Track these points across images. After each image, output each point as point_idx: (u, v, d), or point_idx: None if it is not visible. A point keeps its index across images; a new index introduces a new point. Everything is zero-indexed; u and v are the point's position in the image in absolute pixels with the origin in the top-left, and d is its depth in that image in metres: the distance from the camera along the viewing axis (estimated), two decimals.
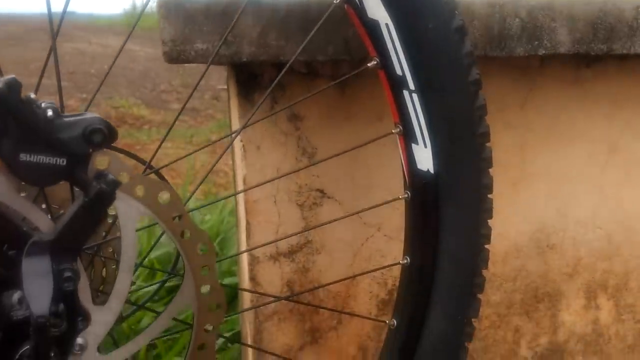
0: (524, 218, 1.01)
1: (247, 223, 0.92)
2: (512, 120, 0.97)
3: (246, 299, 1.00)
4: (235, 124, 0.92)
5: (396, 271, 0.97)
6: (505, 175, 0.98)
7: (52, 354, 0.47)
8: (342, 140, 0.91)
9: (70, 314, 0.48)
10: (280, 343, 0.97)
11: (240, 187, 0.93)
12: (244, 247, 0.94)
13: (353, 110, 0.91)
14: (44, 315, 0.44)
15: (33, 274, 0.45)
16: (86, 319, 0.49)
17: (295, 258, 0.95)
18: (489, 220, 0.75)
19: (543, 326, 1.06)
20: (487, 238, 0.75)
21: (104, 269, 0.65)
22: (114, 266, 0.67)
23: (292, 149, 0.90)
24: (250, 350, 0.99)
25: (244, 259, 0.95)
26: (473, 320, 0.77)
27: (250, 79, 0.86)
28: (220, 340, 1.38)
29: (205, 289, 0.56)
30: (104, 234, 0.64)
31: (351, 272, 0.97)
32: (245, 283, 0.96)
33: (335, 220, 0.86)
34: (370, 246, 0.96)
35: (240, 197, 0.93)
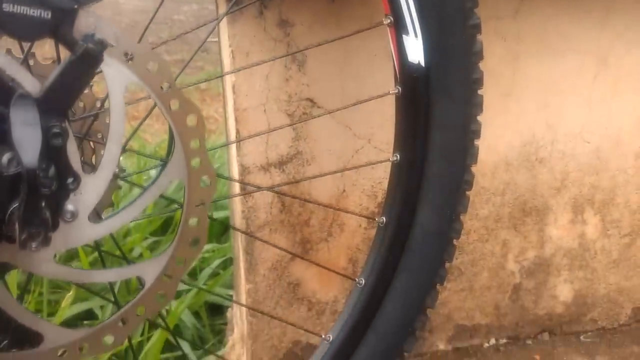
0: (514, 131, 1.01)
1: (237, 132, 0.92)
2: (504, 30, 0.96)
3: (237, 215, 1.00)
4: (224, 31, 0.90)
5: (386, 184, 0.98)
6: (496, 86, 0.98)
7: (43, 216, 0.47)
8: (333, 45, 0.89)
9: (60, 174, 0.48)
10: (271, 254, 0.98)
11: (229, 96, 0.92)
12: (234, 157, 0.94)
13: (344, 16, 0.90)
14: (33, 166, 0.44)
15: (21, 125, 0.44)
16: (76, 181, 0.49)
17: (285, 169, 0.95)
18: (478, 116, 0.75)
19: (530, 240, 1.08)
20: (477, 134, 0.75)
21: (94, 156, 0.65)
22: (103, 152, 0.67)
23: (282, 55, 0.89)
24: (242, 266, 1.00)
25: (235, 169, 0.95)
26: (462, 216, 0.78)
27: None
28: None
29: (195, 162, 0.56)
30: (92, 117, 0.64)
31: (341, 184, 0.97)
32: (236, 192, 0.96)
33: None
34: (361, 158, 0.96)
35: (230, 107, 0.92)
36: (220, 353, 1.14)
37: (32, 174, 0.45)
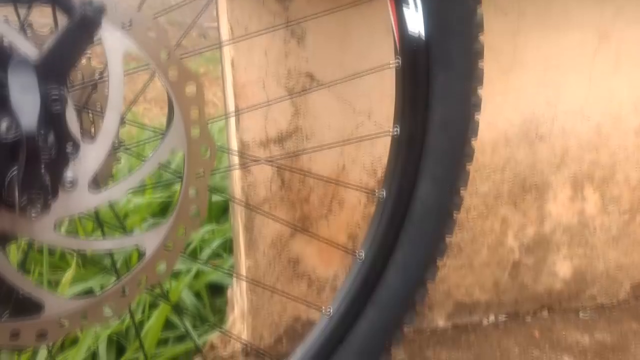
0: (514, 107, 1.01)
1: (236, 108, 0.91)
2: (504, 5, 0.96)
3: (237, 193, 1.00)
4: (223, 5, 0.90)
5: (386, 159, 0.98)
6: (497, 62, 0.98)
7: (43, 181, 0.47)
8: (332, 20, 0.89)
9: (59, 140, 0.47)
10: (271, 230, 0.98)
11: (228, 71, 0.91)
12: (233, 135, 0.94)
13: None
14: (32, 132, 0.44)
15: (20, 91, 0.44)
16: (76, 148, 0.49)
17: (284, 145, 0.94)
18: (479, 89, 0.75)
19: (530, 217, 1.08)
20: (478, 107, 0.75)
21: (93, 127, 0.64)
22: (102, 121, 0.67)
23: (281, 30, 0.89)
24: (242, 243, 1.00)
25: (234, 145, 0.95)
26: (461, 190, 0.78)
27: None
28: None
29: (195, 132, 0.55)
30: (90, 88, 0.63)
31: (341, 160, 0.97)
32: (236, 171, 0.96)
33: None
34: (360, 133, 0.96)
35: (229, 82, 0.92)
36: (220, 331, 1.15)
37: (31, 139, 0.44)
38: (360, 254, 0.78)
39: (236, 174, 0.96)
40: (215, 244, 1.42)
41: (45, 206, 0.47)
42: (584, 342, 1.08)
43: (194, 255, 1.43)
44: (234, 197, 1.01)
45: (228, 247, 1.47)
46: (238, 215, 1.00)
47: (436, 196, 0.76)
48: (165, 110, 0.54)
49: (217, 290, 1.37)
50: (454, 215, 0.78)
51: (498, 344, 1.08)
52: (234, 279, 1.19)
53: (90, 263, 1.33)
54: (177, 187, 1.50)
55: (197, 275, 1.33)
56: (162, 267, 0.58)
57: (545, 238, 1.10)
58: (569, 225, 1.10)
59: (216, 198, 1.58)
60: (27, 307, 0.56)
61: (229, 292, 1.21)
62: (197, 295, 1.33)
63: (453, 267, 1.08)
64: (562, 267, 1.13)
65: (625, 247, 1.14)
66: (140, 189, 1.67)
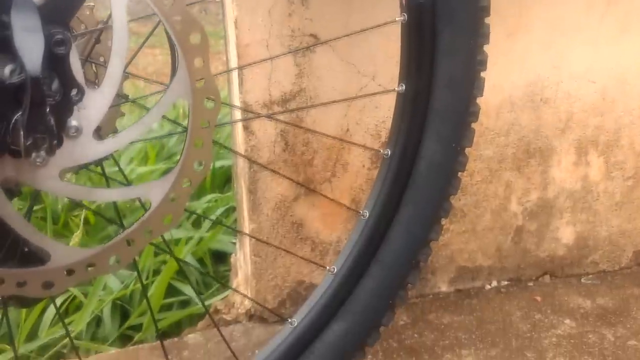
0: (519, 70, 1.00)
1: (239, 69, 0.90)
2: None
3: (240, 163, 1.00)
4: None
5: (390, 123, 0.97)
6: (502, 24, 0.97)
7: (48, 123, 0.46)
8: None
9: (63, 85, 0.47)
10: (275, 193, 0.98)
11: (231, 31, 0.90)
12: (236, 95, 0.93)
13: None
14: (37, 73, 0.44)
15: (23, 31, 0.43)
16: (80, 93, 0.48)
17: (288, 107, 0.94)
18: (485, 46, 0.74)
19: (533, 182, 1.08)
20: (483, 64, 0.74)
21: (96, 80, 0.64)
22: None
23: None
24: (245, 206, 1.00)
25: (237, 109, 0.94)
26: (467, 149, 0.77)
27: None
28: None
29: (199, 82, 0.55)
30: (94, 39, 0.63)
31: (345, 123, 0.97)
32: (239, 133, 0.96)
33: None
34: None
35: (232, 43, 0.91)
36: (223, 295, 1.15)
37: (35, 81, 0.44)
38: (365, 212, 0.78)
39: (239, 136, 0.96)
40: (219, 212, 1.42)
41: (51, 151, 0.47)
42: (585, 307, 1.09)
43: (198, 224, 1.43)
44: (238, 152, 1.01)
45: (231, 215, 1.47)
46: (241, 179, 1.00)
47: (441, 155, 0.76)
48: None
49: (221, 258, 1.38)
50: (459, 174, 0.78)
51: (500, 308, 1.09)
52: (237, 246, 1.19)
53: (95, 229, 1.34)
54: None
55: (200, 242, 1.34)
56: (167, 218, 0.58)
57: (549, 203, 1.10)
58: (573, 190, 1.10)
59: (219, 165, 1.58)
60: (32, 261, 0.57)
61: (232, 258, 1.22)
62: (200, 261, 1.34)
63: (456, 232, 1.08)
64: (565, 233, 1.13)
65: (628, 213, 1.14)
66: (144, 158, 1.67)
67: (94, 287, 1.17)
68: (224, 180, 1.62)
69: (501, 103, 1.01)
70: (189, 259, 1.30)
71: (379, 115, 0.97)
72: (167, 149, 1.69)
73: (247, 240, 1.03)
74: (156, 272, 1.26)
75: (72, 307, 1.20)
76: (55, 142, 0.46)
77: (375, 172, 0.99)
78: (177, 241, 1.32)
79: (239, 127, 0.95)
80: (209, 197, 1.49)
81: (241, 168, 0.99)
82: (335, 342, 0.78)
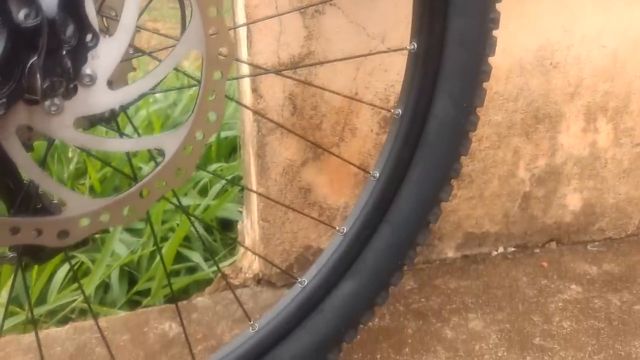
0: (530, 34, 0.99)
1: (248, 31, 0.90)
2: None
3: (248, 119, 0.99)
4: None
5: (399, 87, 0.97)
6: None
7: (65, 65, 0.46)
8: None
9: (78, 29, 0.47)
10: (283, 158, 0.97)
11: None
12: (244, 57, 0.93)
13: None
14: (53, 15, 0.43)
15: None
16: (95, 39, 0.48)
17: (297, 70, 0.93)
18: (497, 4, 0.73)
19: (542, 148, 1.08)
20: (495, 23, 0.74)
21: (108, 32, 0.63)
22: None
23: None
24: (253, 170, 1.00)
25: (245, 68, 0.94)
26: (478, 109, 0.77)
27: None
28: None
29: (212, 30, 0.54)
30: None
31: (354, 86, 0.96)
32: (247, 95, 0.95)
33: None
34: (374, 59, 0.95)
35: (240, 3, 0.90)
36: (231, 261, 1.16)
37: (51, 23, 0.44)
38: (375, 172, 0.78)
39: (247, 99, 0.95)
40: (224, 181, 1.42)
41: (67, 95, 0.47)
42: (591, 273, 1.09)
43: (204, 192, 1.43)
44: (243, 130, 1.01)
45: (237, 182, 1.48)
46: (249, 144, 1.00)
47: (452, 114, 0.76)
48: None
49: (228, 225, 1.38)
50: (470, 134, 0.78)
51: (507, 273, 1.09)
52: (244, 213, 1.19)
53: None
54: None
55: (207, 209, 1.34)
56: (181, 171, 0.58)
57: (556, 170, 1.10)
58: (580, 157, 1.10)
59: (224, 136, 1.58)
60: (49, 207, 0.57)
61: (239, 225, 1.22)
62: (207, 229, 1.34)
63: (464, 197, 1.08)
64: (572, 200, 1.13)
65: (636, 181, 1.14)
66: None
67: (102, 253, 1.18)
68: (229, 150, 1.62)
69: (511, 67, 1.01)
70: (196, 225, 1.30)
71: (388, 78, 0.96)
72: (172, 119, 1.69)
73: (255, 206, 1.03)
74: (163, 240, 1.27)
75: (80, 273, 1.21)
76: (71, 85, 0.46)
77: (384, 137, 0.99)
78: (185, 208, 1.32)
79: (247, 90, 0.94)
80: (214, 166, 1.49)
81: (249, 133, 0.99)
82: (345, 302, 0.78)
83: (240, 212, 1.34)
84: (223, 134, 1.60)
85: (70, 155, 1.51)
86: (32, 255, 0.64)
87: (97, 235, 1.29)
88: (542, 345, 0.92)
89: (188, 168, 0.58)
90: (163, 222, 1.30)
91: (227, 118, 1.65)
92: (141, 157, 1.49)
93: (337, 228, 0.79)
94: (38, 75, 0.43)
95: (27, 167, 0.52)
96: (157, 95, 1.75)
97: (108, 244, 1.19)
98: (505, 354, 0.90)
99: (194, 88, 1.68)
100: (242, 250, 1.15)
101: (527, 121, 1.05)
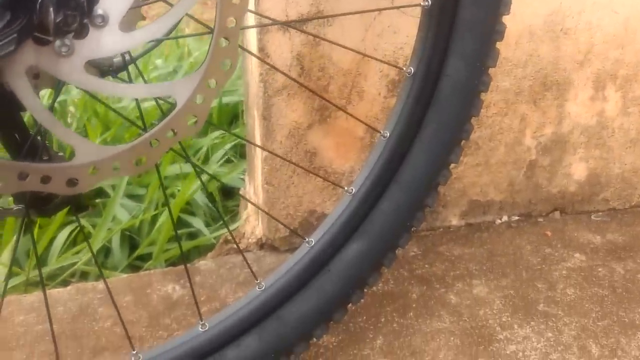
0: None
1: None
2: None
3: (254, 79, 0.98)
4: None
5: (408, 50, 0.95)
6: None
7: (78, 4, 0.44)
8: None
9: None
10: (289, 120, 0.96)
11: None
12: (252, 16, 0.91)
13: None
14: None
15: None
16: None
17: (305, 28, 0.92)
18: None
19: (549, 116, 1.07)
20: None
21: None
22: None
23: None
24: (258, 132, 0.98)
25: (253, 31, 0.92)
26: (490, 69, 0.76)
27: None
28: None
29: None
30: None
31: (362, 48, 0.95)
32: (254, 57, 0.93)
33: None
34: (383, 20, 0.93)
35: None
36: (234, 226, 1.15)
37: None
38: (385, 132, 0.77)
39: (254, 59, 0.94)
40: (227, 146, 1.41)
41: (80, 33, 0.45)
42: (595, 242, 1.09)
43: (205, 160, 1.42)
44: (247, 92, 0.99)
45: (238, 152, 1.46)
46: (254, 107, 0.99)
47: (465, 73, 0.74)
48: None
49: (230, 194, 1.37)
50: (481, 95, 0.77)
51: (510, 241, 1.09)
52: (246, 180, 1.18)
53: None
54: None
55: (209, 180, 1.33)
56: (192, 120, 0.56)
57: (563, 138, 1.09)
58: (587, 126, 1.09)
59: (225, 102, 1.56)
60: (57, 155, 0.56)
61: (241, 191, 1.21)
62: (209, 196, 1.33)
63: (469, 164, 1.07)
64: (578, 169, 1.12)
65: None
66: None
67: (103, 216, 1.17)
68: (230, 116, 1.60)
69: (521, 32, 0.99)
70: (198, 194, 1.29)
71: (397, 40, 0.95)
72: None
73: (258, 171, 1.02)
74: (164, 207, 1.26)
75: (81, 239, 1.20)
76: (84, 21, 0.45)
77: (392, 101, 0.98)
78: (185, 175, 1.31)
79: (254, 50, 0.93)
80: (215, 133, 1.47)
81: (254, 94, 0.98)
82: (352, 262, 0.78)
83: (242, 179, 1.33)
84: (224, 100, 1.58)
85: (69, 120, 1.49)
86: (37, 209, 0.63)
87: (97, 200, 1.28)
88: (546, 311, 0.92)
89: (200, 117, 0.57)
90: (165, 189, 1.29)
91: (227, 85, 1.63)
92: None
93: (346, 188, 0.78)
94: (51, 9, 0.42)
95: (36, 111, 0.50)
96: (157, 62, 1.72)
97: (109, 208, 1.18)
98: (509, 319, 0.90)
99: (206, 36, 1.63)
100: (244, 215, 1.14)
101: (535, 88, 1.04)
